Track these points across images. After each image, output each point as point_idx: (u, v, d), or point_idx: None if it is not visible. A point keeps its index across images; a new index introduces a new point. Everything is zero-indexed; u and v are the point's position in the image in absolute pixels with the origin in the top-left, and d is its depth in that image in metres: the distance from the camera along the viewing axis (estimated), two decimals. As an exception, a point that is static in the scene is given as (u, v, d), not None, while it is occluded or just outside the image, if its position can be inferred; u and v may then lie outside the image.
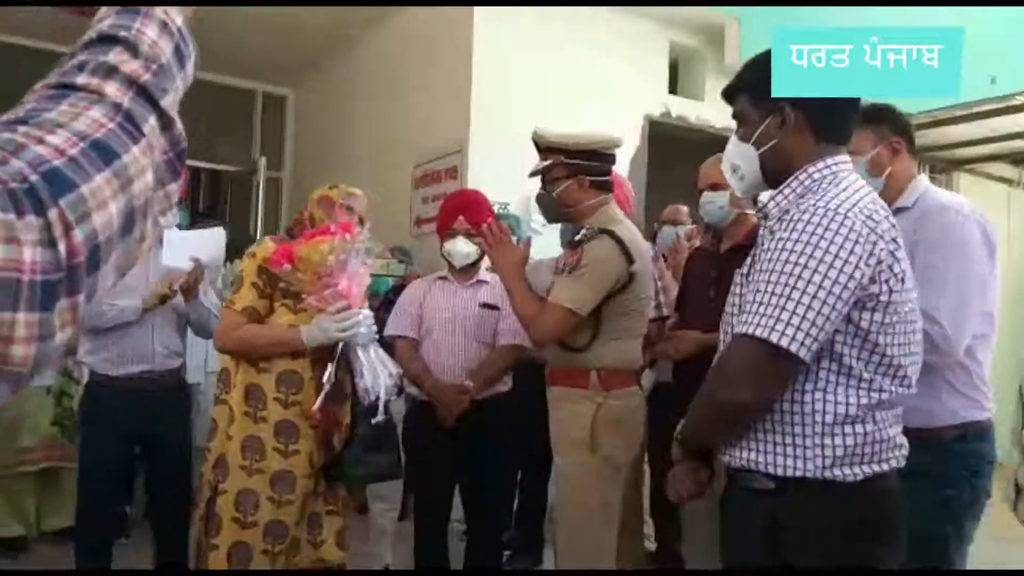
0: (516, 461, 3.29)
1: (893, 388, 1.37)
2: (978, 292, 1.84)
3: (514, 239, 3.82)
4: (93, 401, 2.96)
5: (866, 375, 1.35)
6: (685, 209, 4.17)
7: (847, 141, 1.53)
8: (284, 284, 2.22)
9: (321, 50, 6.14)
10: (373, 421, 2.17)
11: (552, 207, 2.40)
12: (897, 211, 1.87)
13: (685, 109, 5.43)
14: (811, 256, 1.29)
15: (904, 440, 1.43)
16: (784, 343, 1.27)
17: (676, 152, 5.37)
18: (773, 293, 1.30)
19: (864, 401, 1.35)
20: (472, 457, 2.82)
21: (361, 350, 2.17)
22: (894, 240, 1.36)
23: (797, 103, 1.44)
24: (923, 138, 6.07)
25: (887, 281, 1.33)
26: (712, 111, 5.53)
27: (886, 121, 2.01)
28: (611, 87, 5.04)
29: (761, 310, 1.30)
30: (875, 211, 1.37)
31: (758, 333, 1.29)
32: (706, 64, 5.55)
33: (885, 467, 1.37)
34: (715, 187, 2.54)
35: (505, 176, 4.60)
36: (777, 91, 1.43)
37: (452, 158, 4.69)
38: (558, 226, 2.92)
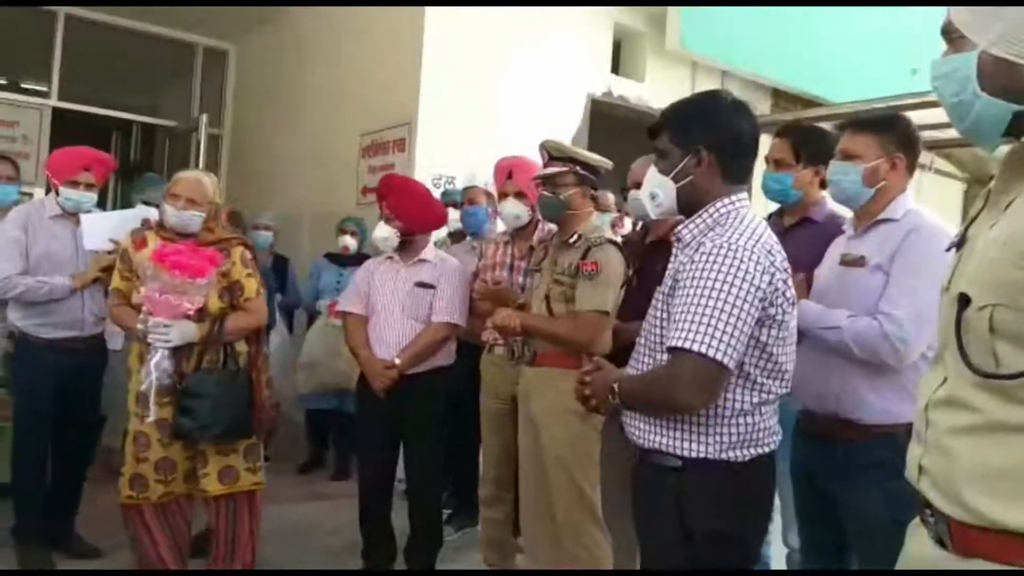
0: (451, 429, 3.48)
1: (777, 388, 1.67)
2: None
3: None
4: (24, 355, 3.12)
5: (760, 379, 1.63)
6: (612, 197, 4.36)
7: (747, 180, 1.76)
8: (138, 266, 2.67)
9: (265, 5, 6.02)
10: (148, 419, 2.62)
11: (556, 207, 2.68)
12: (881, 222, 2.04)
13: (626, 89, 5.62)
14: (727, 282, 1.53)
15: (779, 427, 1.71)
16: (721, 358, 1.52)
17: (616, 131, 5.56)
18: (701, 314, 1.52)
19: (755, 400, 1.64)
20: (409, 425, 3.09)
21: (152, 351, 2.61)
22: (785, 271, 1.63)
23: (711, 146, 1.67)
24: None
25: (781, 305, 1.61)
26: (652, 92, 5.74)
27: (895, 133, 2.03)
28: (557, 65, 5.18)
29: (694, 327, 1.52)
30: (772, 247, 1.63)
31: (697, 349, 1.51)
32: (647, 47, 5.72)
33: (765, 449, 1.67)
34: (639, 186, 2.72)
35: (452, 151, 4.73)
36: (695, 136, 1.67)
37: (400, 130, 4.77)
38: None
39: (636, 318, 2.28)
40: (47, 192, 3.38)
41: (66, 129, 6.10)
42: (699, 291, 1.54)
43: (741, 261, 1.54)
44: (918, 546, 1.16)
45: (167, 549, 2.79)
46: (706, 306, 1.52)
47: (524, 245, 3.10)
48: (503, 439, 3.01)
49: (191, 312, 2.60)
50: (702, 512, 1.63)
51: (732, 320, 1.52)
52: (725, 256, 1.55)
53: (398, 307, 3.11)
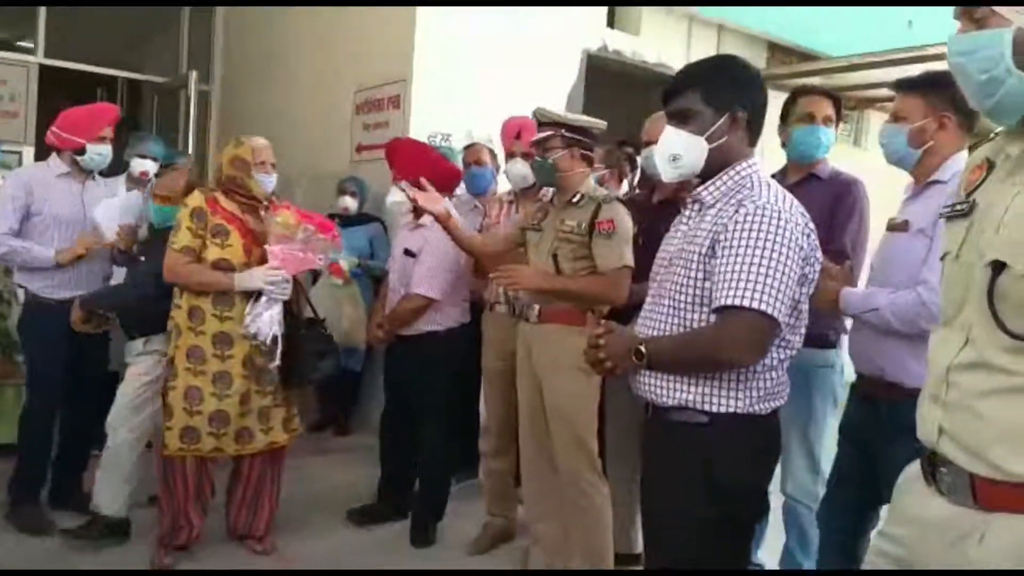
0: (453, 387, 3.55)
1: (797, 344, 1.71)
2: None
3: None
4: (34, 316, 3.18)
5: (788, 336, 1.67)
6: (598, 153, 4.34)
7: (756, 143, 1.79)
8: (213, 226, 2.82)
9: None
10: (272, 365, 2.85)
11: (548, 172, 2.70)
12: (930, 184, 2.04)
13: (622, 44, 5.56)
14: (776, 241, 1.56)
15: (787, 378, 1.74)
16: (775, 313, 1.55)
17: (612, 86, 5.53)
18: (754, 272, 1.55)
19: (782, 356, 1.68)
20: (408, 380, 3.28)
21: (268, 303, 2.78)
22: (814, 231, 1.68)
23: (746, 107, 1.69)
24: (841, 80, 6.42)
25: (814, 264, 1.66)
26: (647, 47, 5.68)
27: (944, 92, 1.97)
28: (552, 20, 5.11)
29: (748, 284, 1.55)
30: (802, 210, 1.67)
31: (755, 306, 1.54)
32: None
33: (781, 402, 1.73)
34: (653, 143, 2.73)
35: (447, 108, 4.68)
36: (731, 97, 1.69)
37: (395, 87, 4.71)
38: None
39: (643, 279, 2.31)
40: (48, 152, 3.37)
41: (51, 86, 6.00)
42: (748, 250, 1.57)
43: (785, 222, 1.58)
44: (920, 503, 1.21)
45: (194, 506, 2.89)
46: (759, 264, 1.55)
47: (528, 205, 3.11)
48: (505, 394, 3.09)
49: (319, 265, 2.90)
50: (730, 466, 1.66)
51: (782, 277, 1.55)
52: (770, 217, 1.58)
53: (395, 272, 3.30)
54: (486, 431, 3.29)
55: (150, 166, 4.02)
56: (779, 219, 1.58)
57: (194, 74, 6.02)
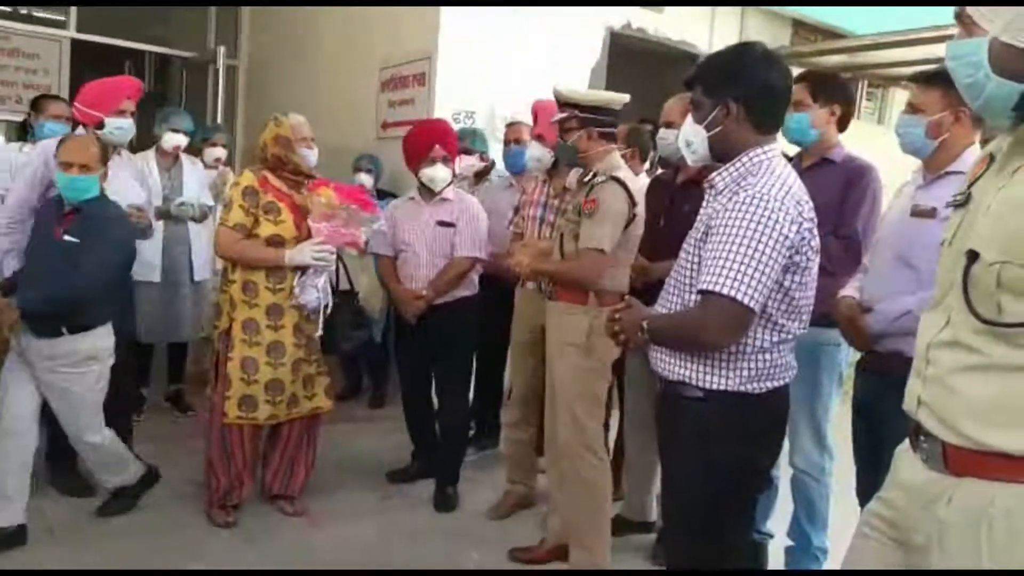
0: (475, 353, 3.68)
1: (795, 329, 1.80)
2: None
3: (474, 158, 4.15)
4: None
5: (780, 320, 1.77)
6: (622, 130, 4.41)
7: (778, 129, 1.87)
8: (265, 203, 2.94)
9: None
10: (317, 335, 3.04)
11: (570, 153, 2.78)
12: (948, 174, 2.11)
13: (645, 21, 5.58)
14: (758, 231, 1.64)
15: (794, 362, 1.86)
16: (748, 302, 1.64)
17: (636, 64, 5.56)
18: (732, 260, 1.64)
19: (775, 339, 1.78)
20: (439, 349, 3.41)
21: (315, 275, 2.96)
22: (811, 220, 1.74)
23: (740, 98, 1.77)
24: (864, 58, 6.40)
25: (806, 252, 1.73)
26: (671, 24, 5.70)
27: None
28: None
29: (725, 272, 1.65)
30: (801, 197, 1.74)
31: (727, 292, 1.64)
32: (667, -23, 5.64)
33: (780, 383, 1.82)
34: (670, 125, 2.82)
35: (471, 86, 4.76)
36: (724, 88, 1.77)
37: (420, 64, 4.79)
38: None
39: (664, 257, 2.41)
40: (74, 127, 3.41)
41: (79, 61, 6.11)
42: (731, 238, 1.66)
43: (773, 211, 1.65)
44: (907, 469, 1.33)
45: (248, 471, 3.08)
46: (737, 253, 1.64)
47: (559, 184, 3.20)
48: (530, 366, 3.20)
49: (360, 239, 3.00)
50: (721, 439, 1.78)
51: (760, 267, 1.64)
52: (757, 206, 1.66)
53: (423, 245, 3.38)
54: (512, 402, 3.41)
55: (182, 140, 4.16)
56: (766, 208, 1.65)
57: (222, 49, 6.14)
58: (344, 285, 3.24)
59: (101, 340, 2.81)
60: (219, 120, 5.98)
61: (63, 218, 2.74)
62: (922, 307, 1.98)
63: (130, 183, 3.36)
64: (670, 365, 1.84)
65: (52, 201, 2.87)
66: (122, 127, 3.21)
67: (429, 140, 3.35)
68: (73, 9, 6.15)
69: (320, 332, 3.01)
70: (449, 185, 3.39)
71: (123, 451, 3.01)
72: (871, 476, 2.23)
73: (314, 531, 3.08)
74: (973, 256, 1.17)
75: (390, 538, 3.09)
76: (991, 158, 1.28)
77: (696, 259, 1.78)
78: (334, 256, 2.99)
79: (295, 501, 3.21)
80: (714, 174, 1.83)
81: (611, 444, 3.61)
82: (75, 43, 6.10)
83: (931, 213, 2.11)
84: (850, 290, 2.33)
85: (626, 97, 2.78)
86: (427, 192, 3.40)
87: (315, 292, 2.96)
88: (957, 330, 1.22)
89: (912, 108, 2.20)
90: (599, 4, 5.22)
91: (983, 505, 1.16)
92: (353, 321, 3.14)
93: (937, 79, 2.13)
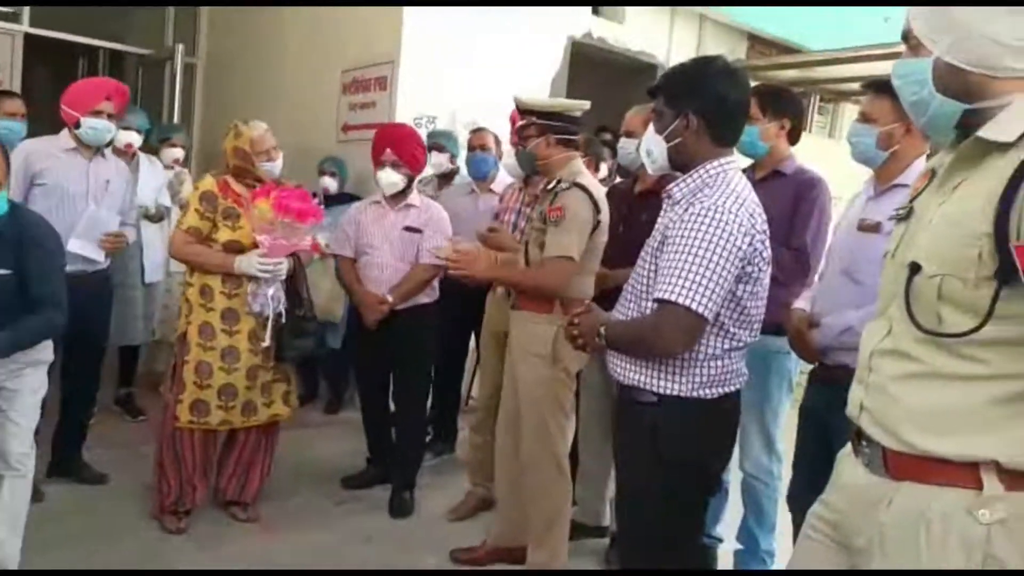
0: (435, 360, 3.68)
1: (746, 337, 1.86)
2: None
3: (446, 157, 4.15)
4: None
5: (732, 329, 1.82)
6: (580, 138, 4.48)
7: (736, 143, 1.92)
8: (224, 208, 2.93)
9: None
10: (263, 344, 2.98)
11: (529, 160, 2.80)
12: (897, 186, 2.14)
13: (606, 31, 5.65)
14: (712, 242, 1.70)
15: (745, 369, 1.91)
16: (701, 310, 1.69)
17: (596, 73, 5.63)
18: (687, 269, 1.69)
19: (726, 346, 1.83)
20: (398, 354, 3.39)
21: (265, 284, 2.95)
22: (764, 231, 1.80)
23: (699, 111, 1.82)
24: (819, 72, 6.58)
25: (758, 263, 1.79)
26: (631, 35, 5.78)
27: None
28: (538, 7, 5.18)
29: (679, 281, 1.69)
30: (754, 210, 1.79)
31: (682, 301, 1.69)
32: (627, -12, 5.73)
33: (731, 389, 1.87)
34: (630, 135, 2.88)
35: (433, 91, 4.77)
36: (684, 100, 1.82)
37: (382, 68, 4.78)
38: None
39: (622, 265, 2.44)
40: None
41: (33, 56, 5.96)
42: (685, 249, 1.70)
43: (726, 223, 1.71)
44: (849, 473, 1.37)
45: (200, 476, 3.04)
46: (692, 263, 1.69)
47: (533, 191, 3.22)
48: (496, 371, 3.19)
49: (306, 247, 2.98)
50: (674, 443, 1.83)
51: (713, 277, 1.69)
52: (712, 218, 1.71)
53: (388, 250, 3.35)
54: (478, 405, 3.41)
55: (135, 138, 4.09)
56: (720, 220, 1.71)
57: (181, 47, 6.05)
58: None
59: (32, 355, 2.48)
60: (176, 120, 5.89)
61: None
62: (863, 323, 2.05)
63: (123, 186, 3.36)
64: (626, 370, 1.88)
65: None
66: (95, 128, 3.18)
67: (381, 144, 3.34)
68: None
69: (267, 342, 2.97)
70: (406, 190, 3.37)
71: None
72: (810, 482, 2.22)
73: (267, 537, 3.05)
74: (915, 268, 1.21)
75: (345, 543, 3.07)
76: (933, 173, 1.33)
77: (653, 267, 1.82)
78: (282, 267, 2.96)
79: (248, 507, 3.17)
80: (672, 185, 1.87)
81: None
82: (28, 38, 5.96)
83: (876, 228, 2.14)
84: (802, 302, 2.36)
85: (586, 104, 2.80)
86: (391, 197, 3.37)
87: (265, 300, 2.94)
88: (898, 339, 1.26)
89: (864, 117, 2.23)
90: (559, 4, 5.26)
91: (922, 508, 1.20)
92: (297, 329, 3.06)
93: (887, 89, 2.15)
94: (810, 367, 2.42)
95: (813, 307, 2.32)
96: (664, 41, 5.97)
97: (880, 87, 2.18)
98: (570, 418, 2.79)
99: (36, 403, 2.51)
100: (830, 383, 2.19)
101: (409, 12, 4.69)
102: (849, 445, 1.42)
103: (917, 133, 2.13)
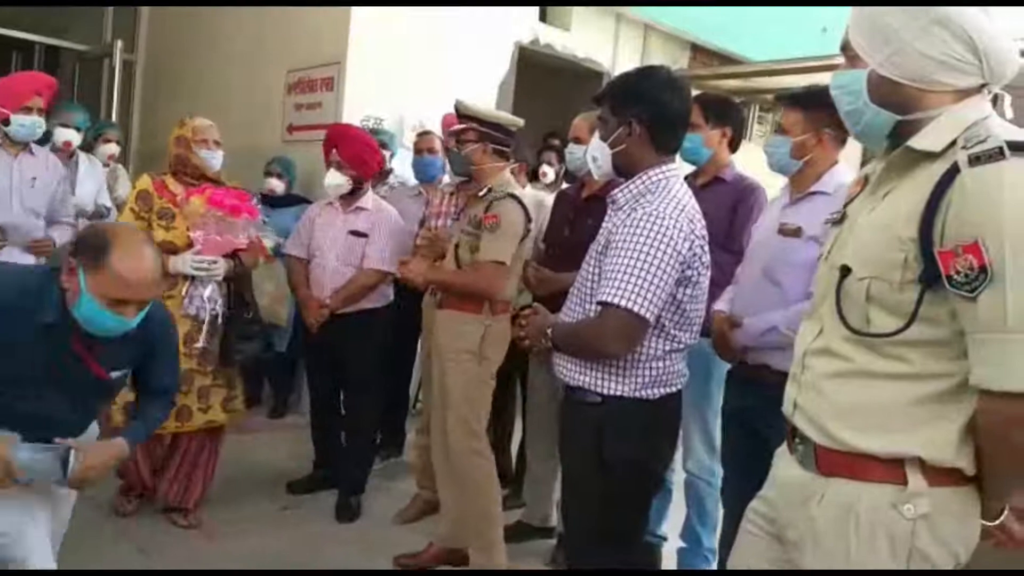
0: (383, 365, 3.66)
1: (686, 339, 1.91)
2: None
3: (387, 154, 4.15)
4: None
5: (672, 331, 1.87)
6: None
7: (677, 151, 1.98)
8: (159, 208, 2.89)
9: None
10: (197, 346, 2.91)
11: (461, 163, 2.86)
12: (813, 194, 2.21)
13: (553, 38, 5.72)
14: (653, 247, 1.74)
15: (686, 370, 1.97)
16: (643, 313, 1.73)
17: (543, 79, 5.69)
18: (629, 273, 1.73)
19: (667, 348, 1.88)
20: (346, 359, 3.38)
21: (200, 284, 2.90)
22: (703, 236, 1.86)
23: (642, 119, 1.87)
24: (759, 82, 6.76)
25: (697, 268, 1.84)
26: (577, 42, 5.86)
27: (820, 108, 2.07)
28: (486, 12, 5.21)
29: (622, 284, 1.74)
30: (694, 215, 1.85)
31: (624, 304, 1.73)
32: (575, -3, 5.80)
33: (673, 389, 1.92)
34: (577, 140, 2.92)
35: (380, 93, 4.76)
36: (628, 108, 1.87)
37: (330, 68, 4.74)
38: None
39: (568, 267, 2.48)
40: None
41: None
42: (628, 253, 1.75)
43: (667, 228, 1.75)
44: (784, 469, 1.42)
45: (148, 472, 3.09)
46: (633, 267, 1.73)
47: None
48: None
49: (243, 246, 2.91)
50: (617, 442, 1.86)
51: (655, 280, 1.73)
52: (653, 223, 1.76)
53: (333, 253, 3.34)
54: (424, 409, 3.40)
55: (74, 136, 3.99)
56: (661, 225, 1.76)
57: (119, 43, 5.90)
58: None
59: None
60: (114, 118, 5.74)
61: None
62: (787, 323, 2.12)
63: (52, 183, 3.26)
64: (571, 371, 1.92)
65: None
66: (24, 124, 3.12)
67: (328, 144, 3.35)
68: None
69: (203, 344, 2.91)
70: (356, 192, 3.36)
71: None
72: (740, 479, 2.32)
73: (209, 543, 3.00)
74: (845, 271, 1.27)
75: (289, 548, 3.04)
76: (866, 180, 1.39)
77: (597, 271, 1.86)
78: (218, 266, 2.91)
79: (189, 514, 3.11)
80: (616, 190, 1.92)
81: (514, 452, 3.70)
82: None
83: (797, 232, 2.21)
84: (722, 304, 2.42)
85: (521, 122, 2.90)
86: (343, 199, 3.37)
87: (201, 303, 2.89)
88: (829, 339, 1.32)
89: (780, 129, 2.32)
90: (506, 4, 5.30)
91: (851, 503, 1.25)
92: (242, 333, 3.03)
93: (798, 101, 2.25)
94: (728, 369, 2.47)
95: (732, 308, 2.38)
96: (609, 49, 6.06)
97: (792, 100, 2.28)
98: (488, 407, 2.85)
99: None
100: (751, 382, 2.28)
101: (357, 13, 4.67)
102: (785, 442, 1.47)
103: (828, 143, 2.22)
